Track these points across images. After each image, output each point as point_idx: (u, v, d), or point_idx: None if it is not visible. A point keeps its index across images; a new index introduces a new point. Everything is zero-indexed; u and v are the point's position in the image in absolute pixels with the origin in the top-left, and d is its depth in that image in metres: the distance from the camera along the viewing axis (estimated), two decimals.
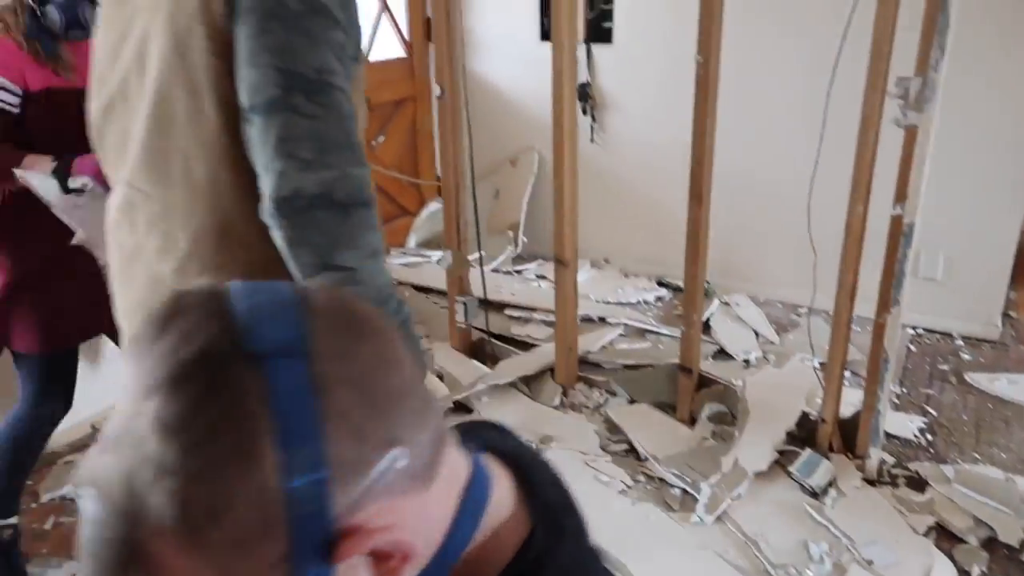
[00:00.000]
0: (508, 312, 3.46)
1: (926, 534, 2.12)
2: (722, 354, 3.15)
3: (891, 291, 2.21)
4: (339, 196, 0.93)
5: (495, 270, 3.99)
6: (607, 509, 2.20)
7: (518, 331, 3.29)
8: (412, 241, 4.32)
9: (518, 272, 3.99)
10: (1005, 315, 3.54)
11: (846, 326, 2.32)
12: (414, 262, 3.99)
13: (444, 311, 3.28)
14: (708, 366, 2.89)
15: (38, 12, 1.71)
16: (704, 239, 2.49)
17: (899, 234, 2.17)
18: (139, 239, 1.09)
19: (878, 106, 2.10)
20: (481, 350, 3.11)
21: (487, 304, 3.07)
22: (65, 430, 2.71)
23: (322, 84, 0.94)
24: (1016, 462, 2.49)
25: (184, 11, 0.96)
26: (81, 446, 2.74)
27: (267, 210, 0.95)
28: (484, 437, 0.62)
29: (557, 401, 2.79)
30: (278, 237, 0.96)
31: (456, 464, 0.53)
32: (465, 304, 2.98)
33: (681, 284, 3.74)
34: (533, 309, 3.42)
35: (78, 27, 1.74)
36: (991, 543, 2.09)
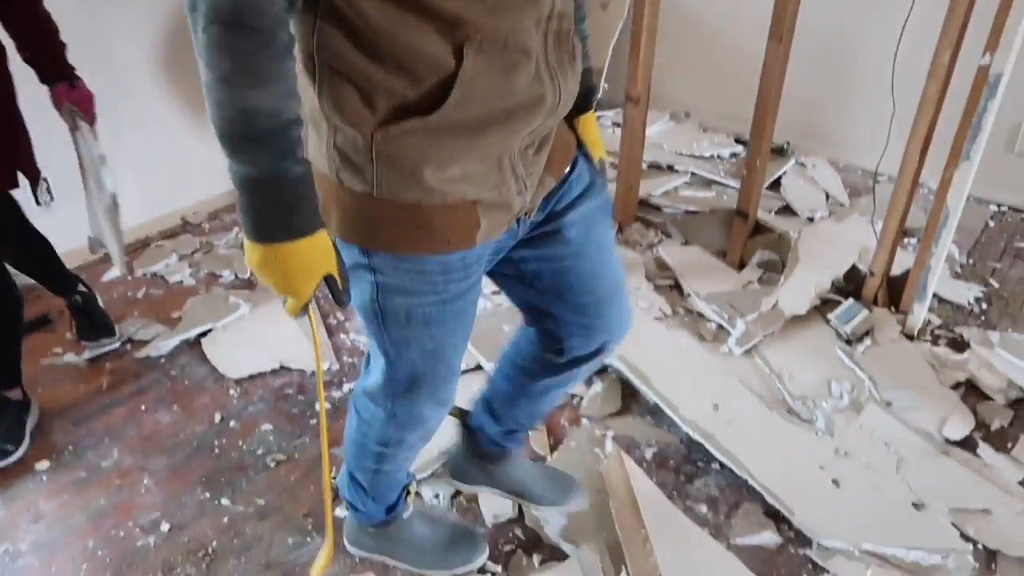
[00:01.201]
0: None
1: (954, 387, 2.14)
2: (787, 211, 3.12)
3: (963, 143, 2.12)
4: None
5: None
6: (640, 330, 2.29)
7: None
8: None
9: (597, 118, 3.96)
10: None
11: (912, 179, 2.25)
12: None
13: None
14: (769, 218, 2.88)
15: None
16: (779, 80, 2.41)
17: (983, 84, 2.06)
18: None
19: None
20: None
21: None
22: (157, 219, 2.97)
23: None
24: None
25: None
26: (171, 234, 3.00)
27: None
28: None
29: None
30: None
31: None
32: None
33: None
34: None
35: None
36: (1018, 403, 2.10)
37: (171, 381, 2.21)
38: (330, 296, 0.99)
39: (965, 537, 1.72)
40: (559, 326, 1.34)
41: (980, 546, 1.71)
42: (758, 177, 2.56)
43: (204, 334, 2.38)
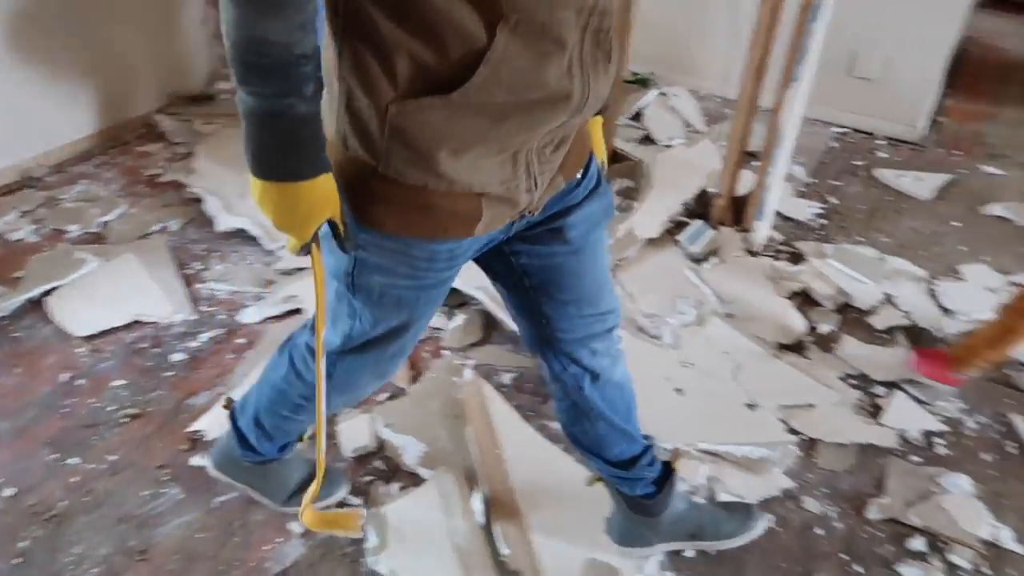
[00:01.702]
0: None
1: (789, 297, 2.30)
2: (648, 140, 3.22)
3: (792, 67, 2.24)
4: None
5: None
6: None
7: None
8: None
9: None
10: (934, 120, 3.59)
11: (749, 102, 2.36)
12: None
13: None
14: (627, 147, 2.96)
15: None
16: (625, 7, 2.46)
17: (808, 8, 2.17)
18: None
19: None
20: None
21: None
22: None
23: None
24: (895, 246, 2.65)
25: None
26: (10, 190, 2.82)
27: None
28: None
29: None
30: None
31: None
32: None
33: (627, 75, 3.76)
34: None
35: None
36: (845, 308, 2.29)
37: (13, 343, 2.11)
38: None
39: (791, 430, 1.88)
40: (552, 328, 1.27)
41: (804, 437, 1.88)
42: (611, 107, 2.62)
43: (49, 292, 2.28)
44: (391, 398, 1.94)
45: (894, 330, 2.24)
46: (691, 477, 1.74)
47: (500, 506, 1.65)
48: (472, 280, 2.21)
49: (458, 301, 2.24)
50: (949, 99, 3.80)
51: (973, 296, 2.39)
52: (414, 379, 2.01)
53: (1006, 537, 1.68)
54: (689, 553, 1.60)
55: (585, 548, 1.57)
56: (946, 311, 2.33)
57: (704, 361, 2.05)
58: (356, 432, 1.82)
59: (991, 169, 3.23)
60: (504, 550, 1.56)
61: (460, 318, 2.19)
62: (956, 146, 3.42)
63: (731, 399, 1.95)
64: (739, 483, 1.74)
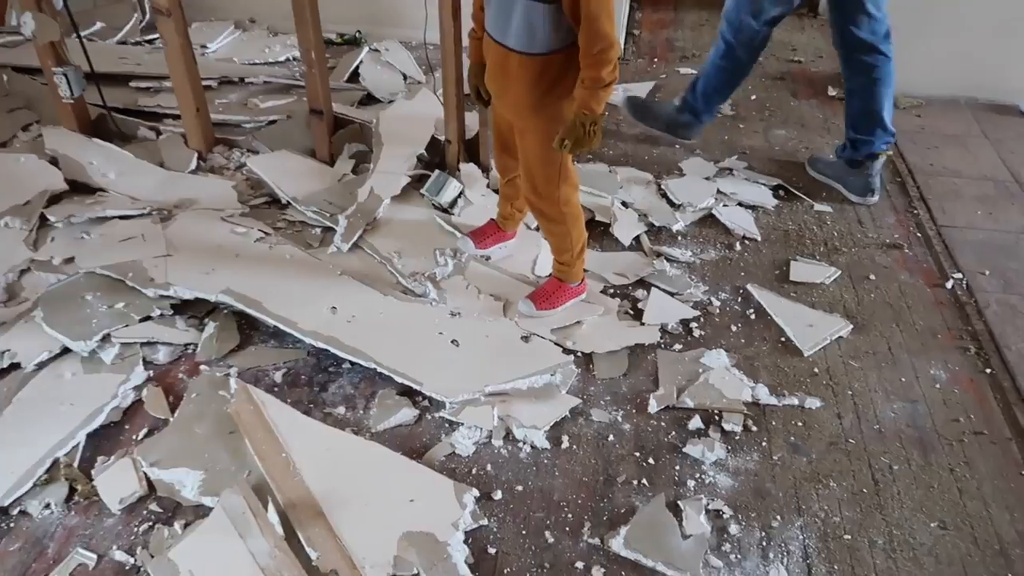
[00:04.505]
0: (134, 84, 3.10)
1: (537, 229, 2.36)
2: (371, 99, 3.13)
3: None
4: None
5: (121, 42, 3.53)
6: (243, 256, 2.17)
7: (146, 102, 2.98)
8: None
9: (148, 42, 3.55)
10: (629, 34, 3.85)
11: (452, 42, 2.35)
12: (13, 40, 3.37)
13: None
14: (348, 110, 2.86)
15: None
16: None
17: None
18: None
19: None
20: (104, 127, 2.79)
21: (96, 76, 2.70)
22: None
23: None
24: (619, 156, 2.82)
25: None
26: None
27: None
28: None
29: (193, 166, 2.62)
30: None
31: None
32: (65, 75, 2.60)
33: (334, 37, 3.61)
34: (163, 78, 3.08)
35: None
36: (589, 223, 2.39)
37: None
38: None
39: (566, 351, 1.95)
40: None
41: (579, 354, 1.95)
42: (319, 72, 2.49)
43: None
44: (149, 434, 1.73)
45: (639, 235, 2.39)
46: (484, 422, 1.75)
47: (299, 511, 1.54)
48: (216, 284, 2.03)
49: (205, 309, 2.05)
50: (638, 12, 4.08)
51: (693, 187, 2.61)
52: (173, 407, 1.81)
53: (762, 394, 1.87)
54: (498, 495, 1.61)
55: (396, 525, 1.52)
56: (676, 205, 2.53)
57: (473, 307, 2.06)
58: (117, 481, 1.61)
59: (685, 69, 3.54)
60: (313, 554, 1.46)
61: (211, 327, 2.00)
62: (653, 55, 3.70)
63: (506, 337, 1.97)
64: (531, 414, 1.78)
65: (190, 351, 1.96)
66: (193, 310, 2.05)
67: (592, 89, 1.64)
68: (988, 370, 1.96)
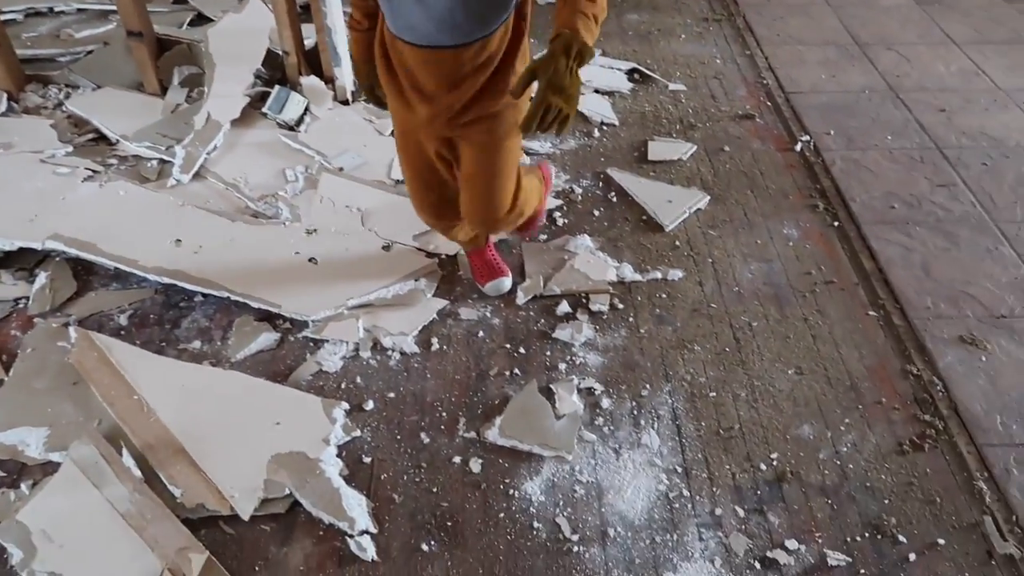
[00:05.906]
0: None
1: (391, 134, 2.27)
2: (202, 19, 2.89)
3: None
4: None
5: None
6: (70, 197, 1.99)
7: None
8: None
9: None
10: None
11: None
12: None
13: None
14: (173, 30, 2.63)
15: None
16: None
17: None
18: None
19: None
20: None
21: None
22: None
23: None
24: None
25: None
26: None
27: None
28: None
29: (3, 108, 2.36)
30: None
31: None
32: None
33: None
34: None
35: None
36: None
37: None
38: None
39: (429, 254, 1.90)
40: None
41: (443, 256, 1.91)
42: None
43: None
44: None
45: None
46: (350, 336, 1.69)
47: (158, 451, 1.46)
48: (42, 231, 1.86)
49: (35, 260, 1.88)
50: None
51: None
52: (7, 366, 1.66)
53: (627, 272, 1.88)
54: (369, 405, 1.57)
55: (264, 450, 1.46)
56: None
57: (329, 222, 1.97)
58: None
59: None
60: (177, 492, 1.39)
61: (43, 277, 1.84)
62: None
63: (367, 247, 1.90)
64: (398, 321, 1.73)
65: (21, 305, 1.80)
66: (20, 262, 1.88)
67: (586, 18, 1.15)
68: (835, 223, 2.04)
